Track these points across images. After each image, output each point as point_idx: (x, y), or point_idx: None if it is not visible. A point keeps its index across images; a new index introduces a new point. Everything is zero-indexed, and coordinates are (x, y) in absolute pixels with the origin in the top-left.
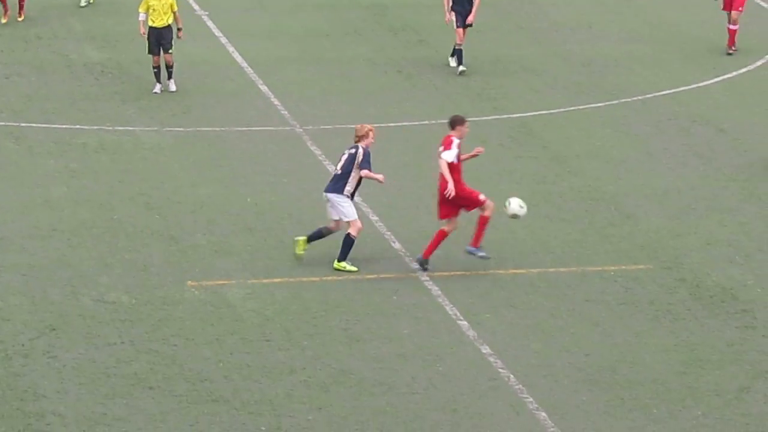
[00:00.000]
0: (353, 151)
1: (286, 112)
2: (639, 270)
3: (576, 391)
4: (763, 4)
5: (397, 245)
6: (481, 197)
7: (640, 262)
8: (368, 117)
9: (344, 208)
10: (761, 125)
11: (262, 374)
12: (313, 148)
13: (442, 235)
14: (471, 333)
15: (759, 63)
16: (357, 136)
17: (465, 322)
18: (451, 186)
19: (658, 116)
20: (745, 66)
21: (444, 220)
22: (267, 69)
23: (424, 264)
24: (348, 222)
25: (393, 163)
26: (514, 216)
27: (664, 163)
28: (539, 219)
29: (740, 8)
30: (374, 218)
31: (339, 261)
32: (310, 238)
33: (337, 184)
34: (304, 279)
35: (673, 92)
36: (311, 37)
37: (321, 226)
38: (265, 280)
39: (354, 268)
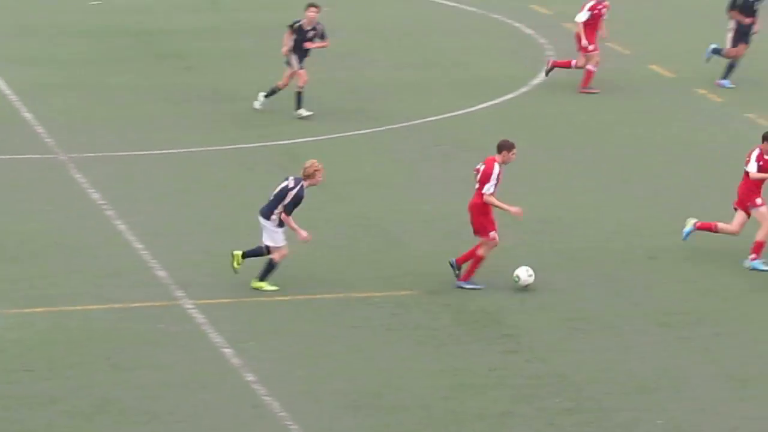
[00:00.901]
0: (291, 184)
1: (50, 140)
2: (404, 295)
3: (340, 416)
4: (527, 30)
5: (161, 273)
6: (491, 234)
7: (406, 287)
8: (134, 144)
9: (272, 234)
10: (524, 151)
11: (23, 405)
12: (77, 176)
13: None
14: (236, 360)
15: (522, 90)
16: (304, 174)
17: (230, 350)
18: (516, 209)
19: (424, 142)
20: (509, 92)
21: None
22: (31, 96)
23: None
24: (276, 247)
25: (158, 190)
26: (527, 284)
27: (430, 188)
28: (305, 245)
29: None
30: (139, 246)
31: (259, 280)
32: (246, 255)
33: (269, 210)
34: (67, 308)
35: (439, 118)
36: (77, 64)
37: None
38: (26, 310)
39: (274, 287)
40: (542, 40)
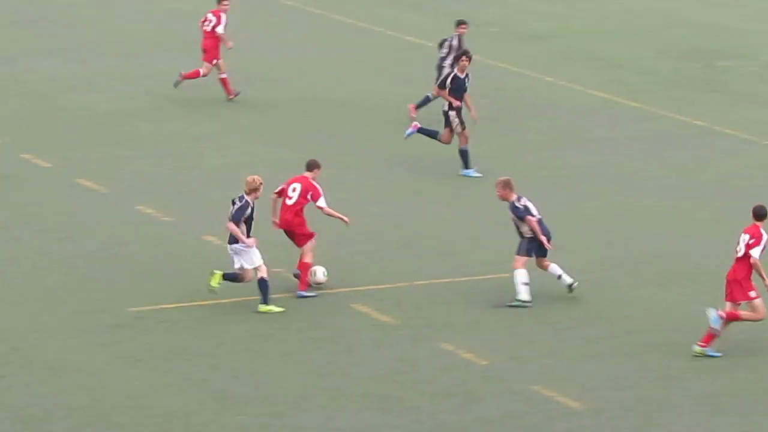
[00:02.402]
0: (238, 203)
1: None
2: None
3: None
4: None
5: None
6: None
7: None
8: None
9: (248, 255)
10: None
11: None
12: None
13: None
14: None
15: None
16: (249, 189)
17: None
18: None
19: None
20: None
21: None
22: None
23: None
24: (255, 268)
25: None
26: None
27: None
28: None
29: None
30: None
31: (264, 304)
32: (226, 276)
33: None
34: None
35: None
36: None
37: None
38: None
39: (280, 309)
40: None
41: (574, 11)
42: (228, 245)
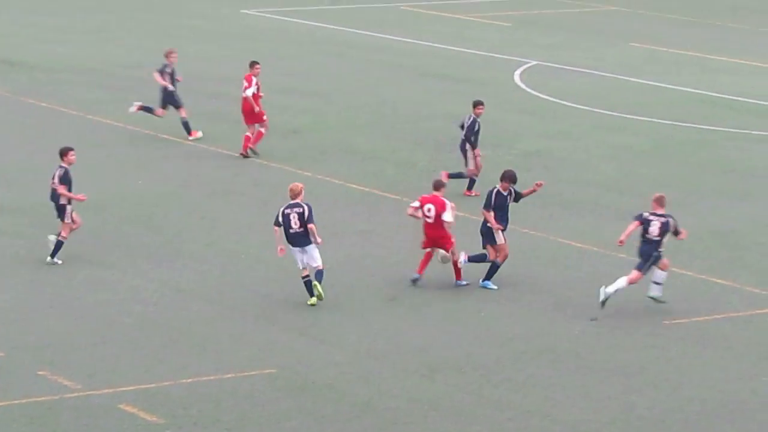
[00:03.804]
0: (300, 210)
1: None
2: None
3: None
4: None
5: None
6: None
7: None
8: None
9: (317, 254)
10: None
11: None
12: None
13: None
14: None
15: None
16: (295, 194)
17: None
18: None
19: None
20: None
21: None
22: None
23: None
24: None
25: None
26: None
27: None
28: None
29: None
30: None
31: (319, 283)
32: (311, 292)
33: (307, 239)
34: None
35: None
36: None
37: (304, 279)
38: None
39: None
40: None
41: (328, 106)
42: (300, 248)
